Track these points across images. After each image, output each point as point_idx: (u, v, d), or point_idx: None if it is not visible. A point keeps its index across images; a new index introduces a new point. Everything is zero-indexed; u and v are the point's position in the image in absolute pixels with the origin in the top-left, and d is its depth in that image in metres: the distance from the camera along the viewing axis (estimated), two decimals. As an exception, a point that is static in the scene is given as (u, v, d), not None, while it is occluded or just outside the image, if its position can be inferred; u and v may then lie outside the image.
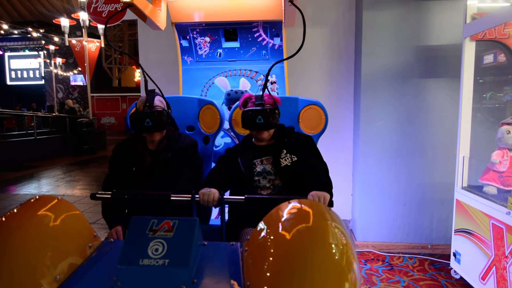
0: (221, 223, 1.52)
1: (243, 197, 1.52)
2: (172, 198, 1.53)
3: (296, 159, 1.80)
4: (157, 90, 1.87)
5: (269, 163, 1.84)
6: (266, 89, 1.79)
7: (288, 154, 1.81)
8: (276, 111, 1.78)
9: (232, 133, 2.80)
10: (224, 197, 1.54)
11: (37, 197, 1.10)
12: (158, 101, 1.84)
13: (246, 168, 1.82)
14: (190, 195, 1.54)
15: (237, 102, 2.15)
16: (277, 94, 2.72)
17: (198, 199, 1.55)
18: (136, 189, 1.80)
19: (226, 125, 2.72)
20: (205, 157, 2.21)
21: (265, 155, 1.86)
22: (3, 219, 1.00)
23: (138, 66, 1.72)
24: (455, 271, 2.66)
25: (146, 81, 1.77)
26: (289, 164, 1.79)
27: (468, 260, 2.47)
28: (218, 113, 2.19)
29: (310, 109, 2.18)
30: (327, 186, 1.63)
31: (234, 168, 1.84)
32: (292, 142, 1.85)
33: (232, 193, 1.92)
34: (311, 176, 1.70)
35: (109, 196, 1.55)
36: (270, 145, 1.88)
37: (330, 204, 1.56)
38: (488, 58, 2.71)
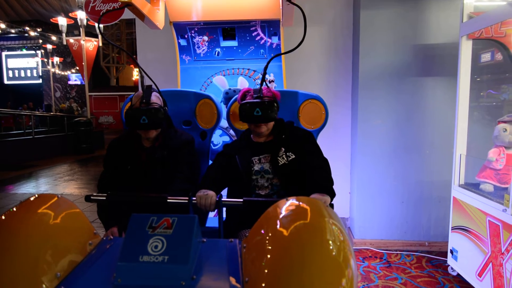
0: (219, 224, 1.51)
1: (241, 200, 1.50)
2: (169, 200, 1.51)
3: (293, 157, 1.77)
4: (153, 86, 1.82)
5: (267, 162, 1.81)
6: (264, 83, 1.76)
7: (285, 152, 1.78)
8: (275, 104, 1.74)
9: (231, 131, 2.81)
10: (222, 199, 1.53)
11: (37, 195, 1.11)
12: (155, 97, 1.79)
13: (244, 167, 1.79)
14: (187, 198, 1.52)
15: (235, 96, 2.11)
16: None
17: (195, 201, 1.53)
18: (132, 188, 1.77)
19: (225, 123, 2.72)
20: (202, 152, 2.18)
21: (263, 153, 1.82)
22: (4, 217, 1.01)
23: (135, 62, 1.69)
24: (452, 268, 2.68)
25: (142, 77, 1.73)
26: (287, 162, 1.76)
27: (465, 257, 2.49)
28: (216, 108, 2.15)
29: (310, 103, 2.13)
30: (328, 187, 1.61)
31: (231, 166, 1.81)
32: (291, 139, 1.81)
33: (229, 192, 1.89)
34: (312, 177, 1.66)
35: (104, 198, 1.52)
36: (268, 142, 1.84)
37: (331, 206, 1.55)
38: (486, 57, 2.73)
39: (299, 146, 1.80)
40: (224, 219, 1.76)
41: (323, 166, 1.73)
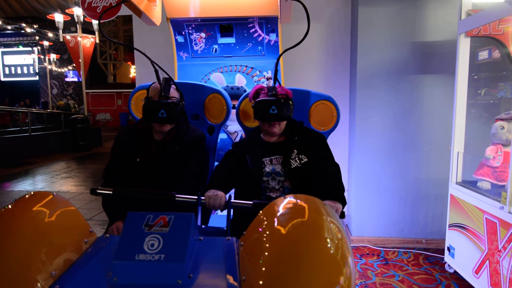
0: (227, 226, 1.47)
1: (251, 202, 1.47)
2: (177, 198, 1.48)
3: (306, 160, 1.73)
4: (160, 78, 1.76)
5: (279, 163, 1.76)
6: (277, 81, 1.72)
7: (298, 155, 1.73)
8: (290, 102, 1.71)
9: (228, 129, 2.80)
10: (232, 201, 1.50)
11: (32, 193, 1.10)
12: (173, 91, 1.74)
13: (255, 167, 1.75)
14: (195, 197, 1.49)
15: (246, 92, 2.07)
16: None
17: (203, 201, 1.51)
18: (139, 181, 1.72)
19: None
20: (209, 148, 2.14)
21: (275, 154, 1.77)
22: (-2, 215, 0.99)
23: (147, 57, 1.63)
24: (449, 265, 2.69)
25: (156, 71, 1.67)
26: (299, 165, 1.72)
27: (462, 254, 2.49)
28: (225, 103, 2.09)
29: (322, 104, 2.08)
30: (340, 194, 1.58)
31: (241, 166, 1.77)
32: (304, 141, 1.77)
33: (238, 193, 1.85)
34: (324, 183, 1.63)
35: (111, 192, 1.50)
36: (280, 143, 1.79)
37: (341, 215, 1.51)
38: (483, 55, 2.73)
39: (312, 149, 1.76)
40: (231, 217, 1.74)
41: (335, 173, 1.71)
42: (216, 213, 2.54)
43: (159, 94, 1.68)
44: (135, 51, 3.65)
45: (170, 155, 1.77)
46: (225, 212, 1.52)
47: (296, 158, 1.73)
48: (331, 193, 1.57)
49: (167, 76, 1.75)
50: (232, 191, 1.82)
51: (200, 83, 2.24)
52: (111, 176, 1.79)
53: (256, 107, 1.72)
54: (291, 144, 1.76)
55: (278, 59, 1.68)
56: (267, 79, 2.73)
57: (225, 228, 1.45)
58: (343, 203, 1.57)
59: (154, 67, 1.66)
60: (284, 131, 1.80)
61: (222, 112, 2.11)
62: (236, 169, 1.77)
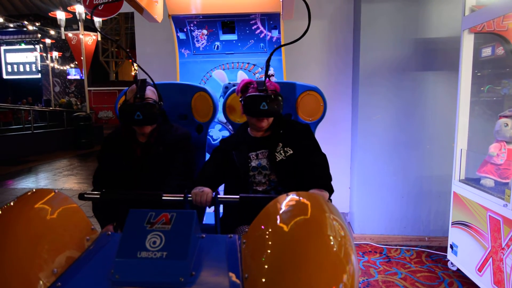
0: (216, 221, 1.49)
1: (238, 196, 1.48)
2: (164, 198, 1.49)
3: (291, 152, 1.74)
4: (148, 80, 1.77)
5: (265, 157, 1.77)
6: (267, 76, 1.72)
7: (283, 148, 1.74)
8: (280, 97, 1.71)
9: (230, 127, 2.80)
10: (218, 196, 1.50)
11: (34, 190, 1.10)
12: (149, 92, 1.73)
13: (241, 163, 1.76)
14: (182, 195, 1.49)
15: (233, 87, 2.06)
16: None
17: (191, 198, 1.51)
18: (127, 184, 1.73)
19: (223, 118, 2.69)
20: (198, 147, 2.14)
21: (261, 148, 1.79)
22: (0, 212, 0.99)
23: (128, 55, 1.62)
24: (452, 263, 2.68)
25: (137, 71, 1.69)
26: (284, 158, 1.73)
27: (465, 252, 2.48)
28: (212, 101, 2.10)
29: (308, 95, 2.10)
30: (326, 183, 1.59)
31: (228, 162, 1.78)
32: (289, 134, 1.78)
33: (226, 188, 1.86)
34: (310, 173, 1.64)
35: (98, 196, 1.50)
36: (266, 137, 1.81)
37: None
38: (486, 51, 2.71)
39: (297, 141, 1.77)
40: (221, 215, 1.74)
41: (322, 163, 1.71)
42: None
43: (134, 96, 1.68)
44: (136, 48, 3.66)
45: (155, 156, 1.77)
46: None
47: (281, 151, 1.74)
48: (317, 182, 1.59)
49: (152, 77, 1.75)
50: (222, 187, 1.83)
51: (185, 82, 2.22)
52: (100, 181, 1.80)
53: (245, 102, 1.71)
54: (277, 138, 1.78)
55: (270, 55, 1.67)
56: (269, 76, 2.72)
57: (213, 224, 1.46)
58: (330, 191, 1.58)
59: (134, 66, 1.64)
60: (270, 125, 1.81)
61: (209, 110, 2.10)
62: (224, 165, 1.78)
